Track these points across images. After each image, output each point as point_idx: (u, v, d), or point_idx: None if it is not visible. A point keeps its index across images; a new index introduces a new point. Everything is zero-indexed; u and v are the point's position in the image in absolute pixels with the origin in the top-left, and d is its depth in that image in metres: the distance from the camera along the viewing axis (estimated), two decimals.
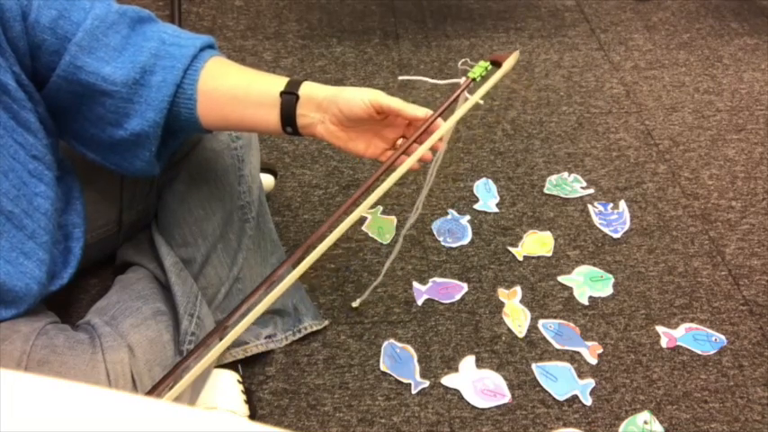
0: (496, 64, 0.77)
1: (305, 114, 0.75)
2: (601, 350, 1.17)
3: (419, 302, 1.24)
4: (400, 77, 0.64)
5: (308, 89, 0.75)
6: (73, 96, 0.72)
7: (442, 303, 1.24)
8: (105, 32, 0.71)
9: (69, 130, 0.77)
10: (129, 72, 0.71)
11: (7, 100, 0.66)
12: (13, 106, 0.67)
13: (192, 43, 0.74)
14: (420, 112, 0.72)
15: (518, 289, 1.27)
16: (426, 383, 1.12)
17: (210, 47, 0.77)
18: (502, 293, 1.26)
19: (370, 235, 1.36)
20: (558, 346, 1.17)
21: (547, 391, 1.11)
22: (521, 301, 1.25)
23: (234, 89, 0.74)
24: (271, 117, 0.75)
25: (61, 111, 0.74)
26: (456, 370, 1.14)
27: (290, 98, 0.74)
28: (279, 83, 0.75)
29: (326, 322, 1.20)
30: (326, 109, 0.74)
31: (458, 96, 0.76)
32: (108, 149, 0.77)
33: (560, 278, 1.29)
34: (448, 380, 1.12)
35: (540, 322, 1.21)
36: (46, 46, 0.69)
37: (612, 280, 1.29)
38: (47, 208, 0.71)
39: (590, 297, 1.26)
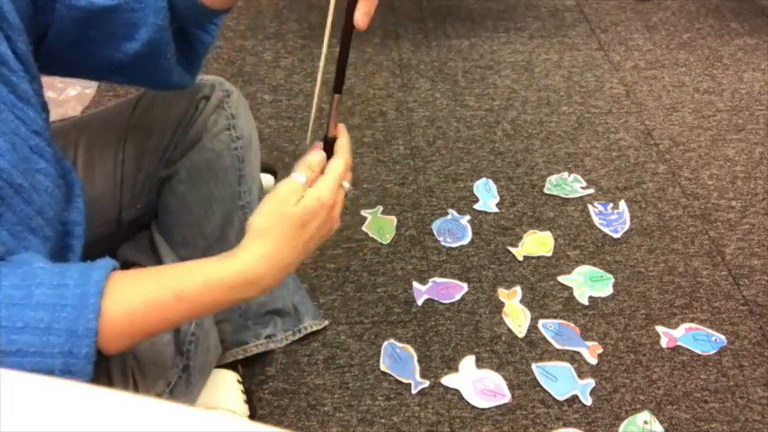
0: None
1: None
2: (601, 350, 1.17)
3: (419, 302, 1.24)
4: None
5: None
6: (79, 25, 0.71)
7: (442, 303, 1.24)
8: None
9: (88, 64, 0.77)
10: None
11: (5, 72, 0.65)
12: (11, 79, 0.66)
13: None
14: None
15: (518, 289, 1.27)
16: (426, 383, 1.12)
17: None
18: (502, 293, 1.26)
19: (370, 235, 1.37)
20: (558, 346, 1.17)
21: (547, 391, 1.11)
22: (521, 301, 1.25)
23: None
24: None
25: (74, 46, 0.74)
26: (456, 370, 1.14)
27: None
28: None
29: (326, 322, 1.20)
30: None
31: None
32: (131, 68, 0.77)
33: (560, 278, 1.29)
34: (448, 380, 1.12)
35: (540, 322, 1.21)
36: None
37: (612, 280, 1.29)
38: (47, 185, 0.70)
39: (590, 297, 1.26)
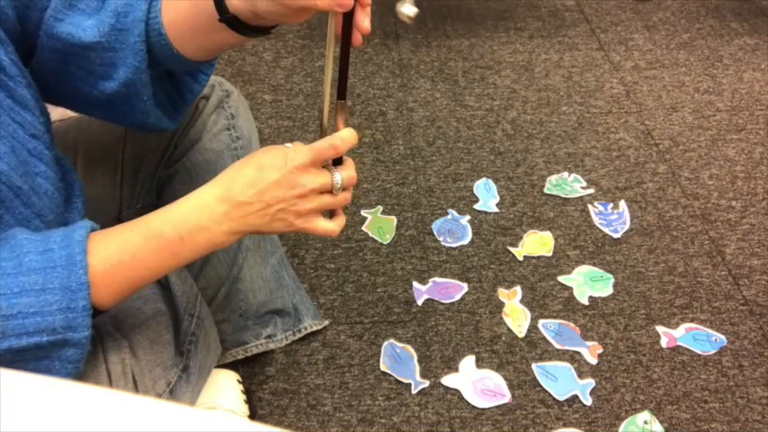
0: None
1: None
2: (601, 350, 1.17)
3: (419, 302, 1.24)
4: None
5: None
6: (59, 56, 0.72)
7: (442, 303, 1.24)
8: None
9: (65, 95, 0.77)
10: (104, 19, 0.70)
11: (2, 76, 0.65)
12: (8, 84, 0.66)
13: None
14: None
15: (518, 289, 1.27)
16: (426, 383, 1.12)
17: None
18: (502, 293, 1.26)
19: (370, 235, 1.37)
20: (558, 346, 1.17)
21: (547, 391, 1.11)
22: (521, 301, 1.25)
23: (188, 11, 0.70)
24: (225, 32, 0.70)
25: (53, 76, 0.74)
26: (456, 370, 1.14)
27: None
28: None
29: (326, 322, 1.20)
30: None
31: None
32: (107, 106, 0.76)
33: (560, 278, 1.29)
34: (448, 380, 1.12)
35: (540, 322, 1.21)
36: (34, 3, 0.69)
37: (612, 280, 1.29)
38: (47, 188, 0.70)
39: (590, 297, 1.26)
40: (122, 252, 0.62)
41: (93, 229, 0.63)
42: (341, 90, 0.68)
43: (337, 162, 0.70)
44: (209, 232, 0.65)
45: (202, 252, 0.66)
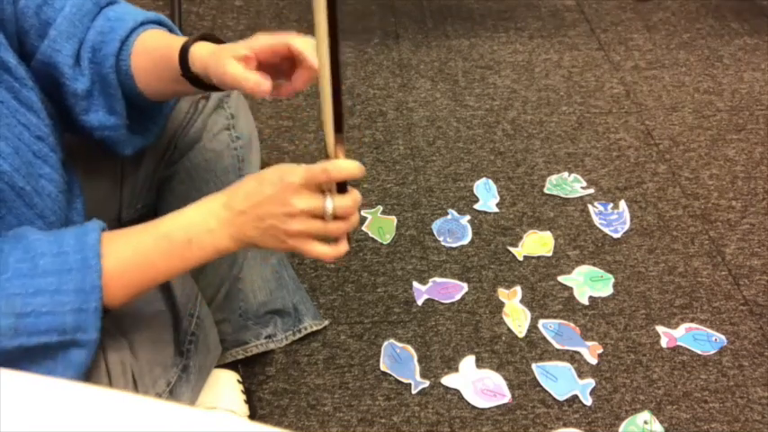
0: None
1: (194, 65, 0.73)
2: (601, 350, 1.17)
3: (419, 302, 1.24)
4: None
5: (197, 50, 0.72)
6: (48, 84, 0.74)
7: (442, 303, 1.24)
8: (81, 19, 0.74)
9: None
10: (84, 55, 0.74)
11: (9, 78, 0.66)
12: (14, 85, 0.67)
13: (133, 18, 0.76)
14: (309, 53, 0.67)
15: (518, 289, 1.27)
16: (426, 383, 1.12)
17: (157, 23, 0.79)
18: (502, 293, 1.26)
19: (370, 235, 1.37)
20: (558, 346, 1.17)
21: (547, 391, 1.11)
22: (521, 301, 1.25)
23: (156, 62, 0.75)
24: (185, 85, 0.75)
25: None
26: (456, 370, 1.14)
27: (184, 55, 0.73)
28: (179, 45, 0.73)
29: (326, 322, 1.20)
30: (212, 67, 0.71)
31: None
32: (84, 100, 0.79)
33: (560, 278, 1.29)
34: (448, 380, 1.12)
35: (540, 322, 1.21)
36: (33, 31, 0.73)
37: (612, 280, 1.29)
38: (50, 190, 0.71)
39: (590, 297, 1.26)
40: (137, 254, 0.65)
41: (103, 229, 0.65)
42: (337, 124, 0.63)
43: (342, 190, 0.66)
44: (214, 235, 0.66)
45: (209, 257, 0.67)
